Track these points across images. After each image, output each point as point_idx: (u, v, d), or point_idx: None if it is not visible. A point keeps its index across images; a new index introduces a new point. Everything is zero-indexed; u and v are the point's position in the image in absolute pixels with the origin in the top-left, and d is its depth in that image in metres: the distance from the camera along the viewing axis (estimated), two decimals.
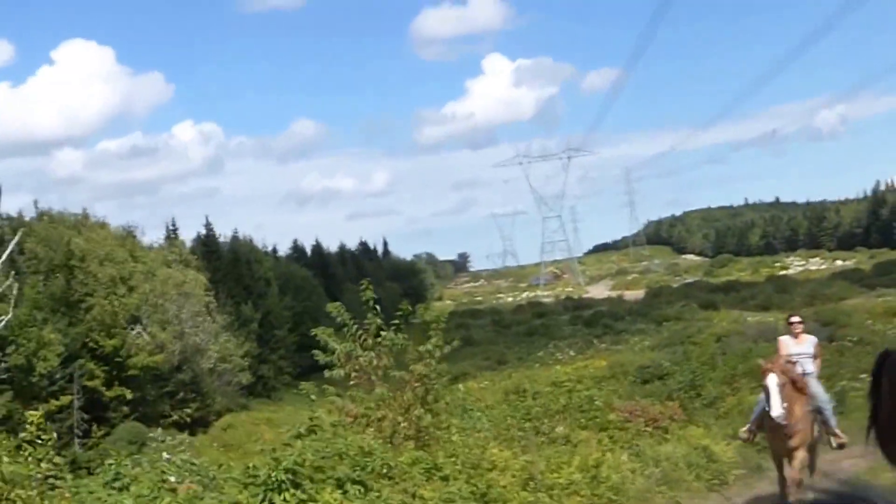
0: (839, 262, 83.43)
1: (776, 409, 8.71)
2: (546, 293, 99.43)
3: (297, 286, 53.05)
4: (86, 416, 27.79)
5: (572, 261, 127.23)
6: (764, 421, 9.31)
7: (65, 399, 24.88)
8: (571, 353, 36.65)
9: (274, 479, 6.10)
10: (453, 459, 7.88)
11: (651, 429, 10.81)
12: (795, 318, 10.35)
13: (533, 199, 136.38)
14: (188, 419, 32.61)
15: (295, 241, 65.85)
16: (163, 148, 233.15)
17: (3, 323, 22.22)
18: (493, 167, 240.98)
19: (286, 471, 6.20)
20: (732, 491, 9.73)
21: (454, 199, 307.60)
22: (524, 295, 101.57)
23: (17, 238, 23.96)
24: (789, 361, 9.48)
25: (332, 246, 73.33)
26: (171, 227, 48.21)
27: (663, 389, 15.95)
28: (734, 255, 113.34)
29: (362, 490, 6.27)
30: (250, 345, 41.90)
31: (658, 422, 11.01)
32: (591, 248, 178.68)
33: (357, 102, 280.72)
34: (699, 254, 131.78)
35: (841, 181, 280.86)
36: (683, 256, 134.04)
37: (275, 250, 61.97)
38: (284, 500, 6.01)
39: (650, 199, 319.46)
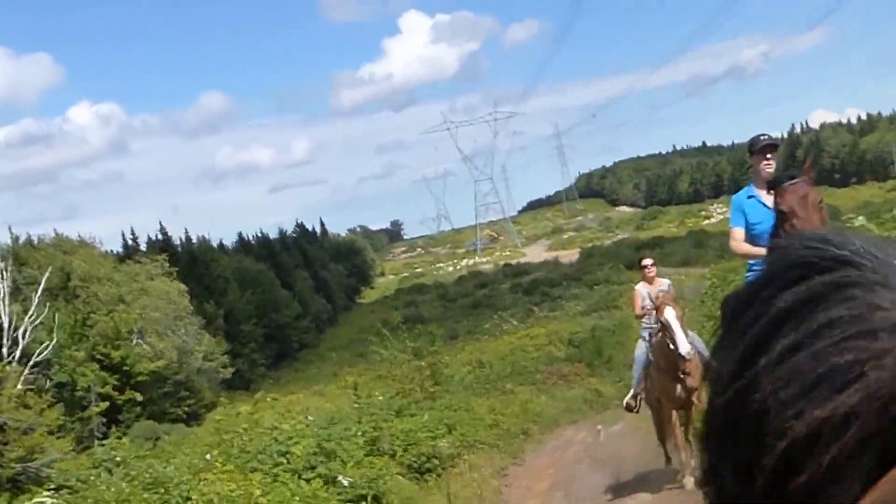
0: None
1: (684, 345, 8.64)
2: (484, 259, 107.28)
3: (253, 279, 59.66)
4: (104, 420, 34.60)
5: (507, 222, 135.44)
6: (650, 379, 9.57)
7: (103, 405, 31.74)
8: (514, 322, 43.92)
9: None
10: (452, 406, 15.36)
11: (562, 381, 18.40)
12: (647, 261, 10.35)
13: (462, 162, 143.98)
14: (185, 414, 39.45)
15: (240, 234, 72.44)
16: (58, 133, 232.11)
17: (50, 347, 28.95)
18: (419, 134, 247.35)
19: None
20: (608, 413, 17.03)
21: (380, 163, 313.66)
22: (463, 263, 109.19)
23: (48, 273, 30.58)
24: (639, 314, 9.84)
25: (263, 225, 79.87)
26: (130, 237, 54.88)
27: (583, 353, 23.63)
28: (664, 204, 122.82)
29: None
30: (219, 341, 48.61)
31: (567, 376, 18.60)
32: (525, 205, 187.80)
33: (268, 71, 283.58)
34: (632, 205, 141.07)
35: (765, 121, 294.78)
36: (616, 209, 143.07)
37: (221, 245, 68.41)
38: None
39: (581, 151, 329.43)
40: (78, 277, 36.77)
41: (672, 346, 8.59)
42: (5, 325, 28.29)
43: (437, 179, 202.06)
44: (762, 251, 6.08)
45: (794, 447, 0.70)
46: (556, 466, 11.85)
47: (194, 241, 59.43)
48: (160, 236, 54.35)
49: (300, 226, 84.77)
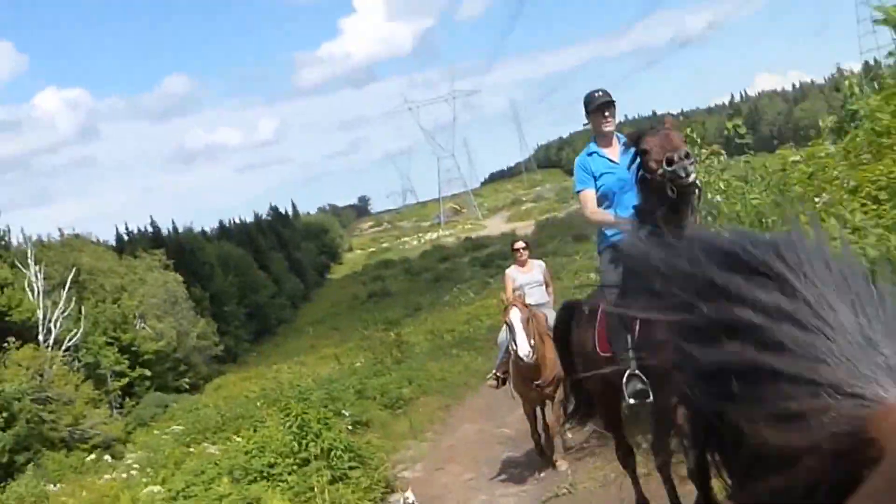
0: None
1: (523, 347, 8.43)
2: (447, 232, 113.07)
3: (234, 264, 65.24)
4: (119, 393, 40.23)
5: (469, 195, 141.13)
6: (511, 364, 9.15)
7: (123, 381, 37.43)
8: (472, 294, 49.57)
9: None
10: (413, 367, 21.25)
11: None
12: (519, 244, 10.19)
13: (424, 139, 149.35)
14: (187, 386, 45.14)
15: (221, 222, 77.90)
16: (26, 120, 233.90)
17: (79, 335, 34.58)
18: (381, 114, 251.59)
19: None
20: None
21: (344, 140, 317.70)
22: (428, 236, 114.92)
23: (73, 272, 36.08)
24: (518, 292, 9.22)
25: (233, 203, 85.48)
26: (123, 232, 60.26)
27: None
28: None
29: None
30: (208, 321, 54.26)
31: None
32: (487, 177, 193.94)
33: (230, 53, 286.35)
34: None
35: (712, 87, 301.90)
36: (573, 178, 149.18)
37: (204, 232, 73.82)
38: None
39: (538, 122, 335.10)
40: (86, 272, 42.11)
41: (514, 348, 8.53)
42: (40, 316, 33.84)
43: (401, 155, 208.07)
44: (613, 219, 5.89)
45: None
46: (489, 404, 17.46)
47: (181, 230, 64.90)
48: (150, 228, 59.73)
49: (274, 209, 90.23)
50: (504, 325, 9.33)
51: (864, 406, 0.76)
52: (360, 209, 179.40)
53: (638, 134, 5.35)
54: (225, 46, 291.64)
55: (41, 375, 30.02)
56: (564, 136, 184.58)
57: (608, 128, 6.40)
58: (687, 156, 4.84)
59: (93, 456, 25.75)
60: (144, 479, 12.57)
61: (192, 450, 13.86)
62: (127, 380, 37.91)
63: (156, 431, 28.02)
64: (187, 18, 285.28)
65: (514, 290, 9.38)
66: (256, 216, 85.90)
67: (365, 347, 29.24)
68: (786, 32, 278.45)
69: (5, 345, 30.96)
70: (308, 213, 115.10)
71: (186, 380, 45.09)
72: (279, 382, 25.27)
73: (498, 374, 9.77)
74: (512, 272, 9.76)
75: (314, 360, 41.60)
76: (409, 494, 8.65)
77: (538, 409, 9.57)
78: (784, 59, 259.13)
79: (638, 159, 5.28)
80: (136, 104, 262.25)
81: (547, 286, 9.75)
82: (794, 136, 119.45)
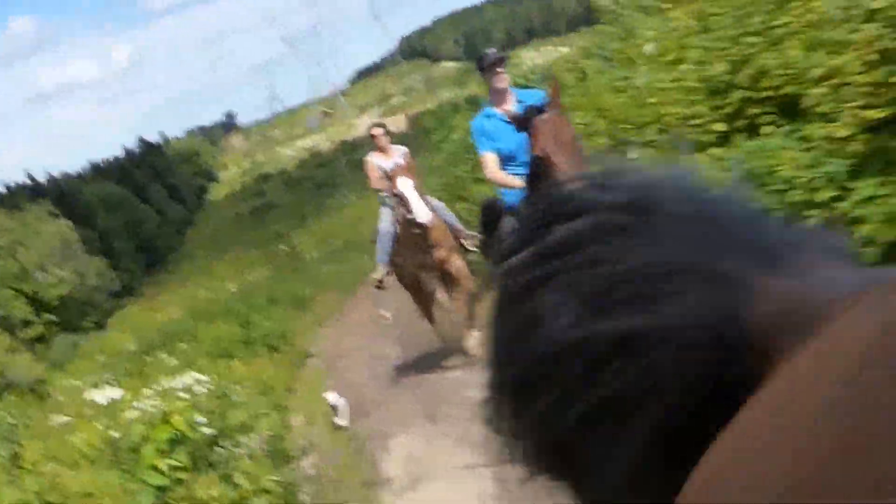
0: (563, 49, 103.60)
1: (422, 212, 8.42)
2: (321, 137, 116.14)
3: (115, 202, 67.77)
4: (30, 341, 43.50)
5: (338, 96, 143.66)
6: (398, 252, 9.18)
7: (38, 329, 40.90)
8: (354, 197, 53.25)
9: None
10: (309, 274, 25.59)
11: None
12: (376, 131, 9.98)
13: (287, 46, 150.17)
14: (93, 325, 48.54)
15: (93, 163, 79.80)
16: None
17: None
18: (239, 29, 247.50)
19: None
20: None
21: (205, 58, 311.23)
22: (300, 143, 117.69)
23: None
24: (380, 186, 9.21)
25: (101, 138, 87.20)
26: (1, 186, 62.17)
27: None
28: None
29: None
30: (101, 260, 57.23)
31: None
32: (354, 75, 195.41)
33: None
34: (455, 59, 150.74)
35: None
36: (440, 65, 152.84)
37: (79, 175, 75.69)
38: None
39: (399, 12, 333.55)
40: None
41: (410, 216, 8.45)
42: None
43: (264, 66, 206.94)
44: (518, 182, 5.89)
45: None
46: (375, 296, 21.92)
47: (57, 175, 67.05)
48: (28, 181, 61.88)
49: (142, 140, 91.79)
50: (383, 210, 9.39)
51: (730, 290, 0.70)
52: (228, 125, 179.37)
53: (530, 129, 5.54)
54: None
55: None
56: (427, 24, 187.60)
57: (501, 84, 6.80)
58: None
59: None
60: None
61: (149, 358, 17.95)
62: (40, 328, 41.26)
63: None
64: None
65: (379, 178, 9.30)
66: (127, 151, 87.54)
67: (263, 261, 33.51)
68: None
69: None
70: (176, 137, 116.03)
71: (91, 319, 48.46)
72: (196, 300, 29.12)
73: (387, 269, 9.51)
74: (373, 159, 9.66)
75: (212, 280, 45.27)
76: (332, 395, 9.29)
77: (437, 295, 9.61)
78: None
79: (533, 161, 5.52)
80: None
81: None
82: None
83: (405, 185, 8.62)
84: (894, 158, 5.13)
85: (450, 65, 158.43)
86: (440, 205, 9.62)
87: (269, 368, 13.22)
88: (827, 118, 5.80)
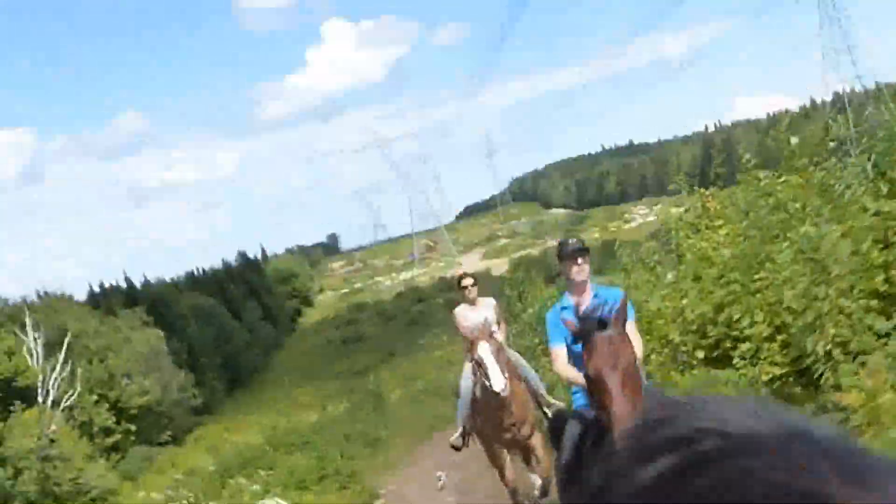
0: (674, 210, 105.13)
1: (498, 381, 8.31)
2: (421, 271, 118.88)
3: (207, 314, 70.42)
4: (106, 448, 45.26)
5: (442, 230, 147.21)
6: (476, 413, 9.24)
7: (115, 437, 42.62)
8: (444, 338, 54.55)
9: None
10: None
11: None
12: (467, 281, 10.11)
13: (395, 174, 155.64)
14: (169, 438, 50.21)
15: (189, 273, 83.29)
16: None
17: (74, 395, 39.83)
18: (351, 151, 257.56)
19: None
20: None
21: (310, 175, 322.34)
22: (401, 277, 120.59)
23: (67, 336, 41.27)
24: (470, 337, 9.04)
25: (197, 241, 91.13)
26: (96, 288, 65.52)
27: None
28: (594, 205, 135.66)
29: None
30: (186, 374, 59.33)
31: None
32: (462, 209, 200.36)
33: (187, 86, 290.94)
34: (564, 206, 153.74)
35: (689, 113, 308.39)
36: (549, 211, 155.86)
37: (174, 282, 79.07)
38: None
39: (512, 153, 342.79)
40: (73, 333, 47.29)
41: (488, 384, 8.44)
42: (40, 380, 39.05)
43: (371, 191, 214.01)
44: (580, 379, 5.79)
45: None
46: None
47: (152, 281, 70.33)
48: (124, 284, 65.10)
49: (242, 254, 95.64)
50: (467, 366, 9.34)
51: None
52: (330, 248, 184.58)
53: (588, 343, 5.38)
54: (183, 81, 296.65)
55: (49, 438, 35.17)
56: (540, 167, 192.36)
57: (581, 277, 6.60)
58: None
59: None
60: None
61: (230, 482, 19.16)
62: (118, 436, 43.01)
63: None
64: (142, 50, 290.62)
65: (469, 328, 9.24)
66: (225, 263, 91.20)
67: (345, 395, 34.73)
68: (764, 56, 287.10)
69: (12, 408, 36.12)
70: (276, 254, 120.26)
71: (168, 432, 50.11)
72: (274, 429, 30.39)
73: (464, 426, 9.65)
74: (462, 311, 9.83)
75: (292, 407, 46.59)
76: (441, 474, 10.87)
77: (508, 460, 9.62)
78: (763, 83, 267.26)
79: (587, 380, 5.40)
80: (85, 143, 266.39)
81: (499, 325, 9.61)
82: (767, 164, 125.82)
83: (485, 351, 8.56)
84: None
85: (559, 211, 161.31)
86: (522, 362, 9.73)
87: (338, 502, 14.25)
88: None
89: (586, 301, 6.42)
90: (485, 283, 11.60)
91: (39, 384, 38.98)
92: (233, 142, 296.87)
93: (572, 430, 6.17)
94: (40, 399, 38.77)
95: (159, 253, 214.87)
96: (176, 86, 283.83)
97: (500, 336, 9.45)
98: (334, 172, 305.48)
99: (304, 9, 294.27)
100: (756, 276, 9.35)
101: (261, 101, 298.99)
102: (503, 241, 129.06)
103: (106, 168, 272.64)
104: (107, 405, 44.66)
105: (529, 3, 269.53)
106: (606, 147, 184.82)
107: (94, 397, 42.60)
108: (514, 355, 9.73)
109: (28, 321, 41.25)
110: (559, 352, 6.45)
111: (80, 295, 62.92)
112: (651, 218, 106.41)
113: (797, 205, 10.45)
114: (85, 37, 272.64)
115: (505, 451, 9.44)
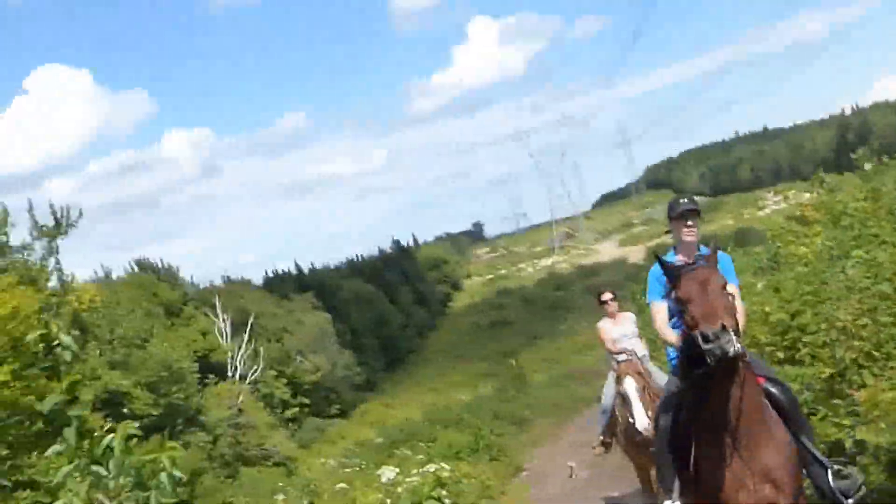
0: (806, 196, 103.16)
1: (642, 420, 8.39)
2: (561, 258, 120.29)
3: (367, 299, 73.98)
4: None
5: (580, 218, 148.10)
6: (619, 432, 9.40)
7: (294, 409, 46.32)
8: (584, 323, 56.18)
9: None
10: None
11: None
12: (607, 296, 10.28)
13: (534, 164, 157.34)
14: (337, 412, 53.68)
15: (350, 259, 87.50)
16: (153, 161, 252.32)
17: (258, 371, 43.55)
18: (491, 143, 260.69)
19: None
20: None
21: (455, 166, 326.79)
22: (542, 262, 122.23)
23: (251, 318, 45.16)
24: (614, 350, 9.61)
25: (350, 230, 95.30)
26: (270, 274, 69.85)
27: None
28: (728, 192, 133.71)
29: None
30: (349, 353, 62.75)
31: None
32: (598, 197, 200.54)
33: (345, 86, 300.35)
34: (699, 194, 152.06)
35: (824, 98, 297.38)
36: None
37: (336, 268, 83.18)
38: None
39: (647, 141, 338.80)
40: (254, 316, 51.22)
41: (631, 420, 8.42)
42: (229, 356, 42.88)
43: (511, 181, 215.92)
44: (676, 341, 5.63)
45: None
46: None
47: (318, 267, 74.86)
48: (295, 271, 69.58)
49: (396, 242, 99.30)
50: (610, 390, 9.55)
51: None
52: (475, 235, 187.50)
53: (674, 274, 5.30)
54: (341, 81, 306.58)
55: (238, 409, 38.81)
56: (674, 155, 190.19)
57: (690, 238, 6.25)
58: (724, 329, 4.77)
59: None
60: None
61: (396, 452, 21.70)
62: (297, 409, 46.59)
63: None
64: (302, 55, 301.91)
65: (612, 341, 9.79)
66: (381, 251, 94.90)
67: (493, 376, 37.07)
68: None
69: (206, 380, 39.90)
70: (426, 241, 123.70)
71: (336, 407, 53.59)
72: (432, 406, 32.89)
73: (605, 439, 9.84)
74: (604, 325, 10.03)
75: (445, 385, 49.07)
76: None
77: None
78: None
79: (675, 303, 5.33)
80: (255, 141, 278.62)
81: (640, 337, 9.88)
82: None
83: (631, 388, 8.67)
84: None
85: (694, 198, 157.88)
86: (663, 380, 8.85)
87: (489, 473, 16.54)
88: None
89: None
90: (620, 269, 13.08)
91: (229, 360, 42.76)
92: (384, 137, 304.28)
93: (669, 386, 6.11)
94: (230, 374, 42.56)
95: (321, 241, 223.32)
96: (334, 86, 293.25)
97: (640, 348, 9.76)
98: (478, 163, 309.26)
99: (451, 6, 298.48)
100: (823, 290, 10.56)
101: (410, 97, 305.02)
102: (639, 228, 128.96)
103: (273, 164, 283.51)
104: (284, 381, 48.31)
105: None
106: (741, 133, 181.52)
107: (274, 373, 46.19)
108: (657, 373, 9.50)
109: (218, 304, 45.10)
110: (660, 308, 6.18)
111: (256, 280, 67.53)
112: (783, 205, 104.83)
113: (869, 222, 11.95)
114: (252, 42, 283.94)
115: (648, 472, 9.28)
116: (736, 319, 5.05)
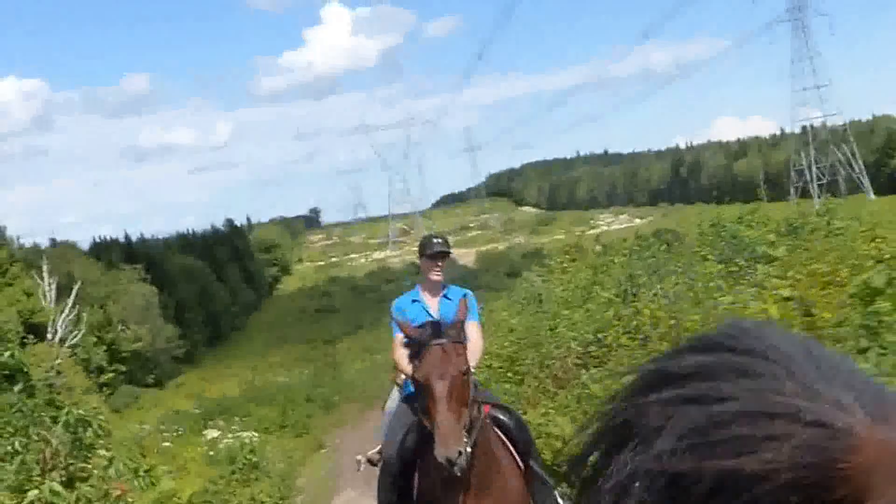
0: (637, 221, 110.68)
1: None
2: (395, 254, 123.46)
3: (194, 274, 74.86)
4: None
5: (418, 216, 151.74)
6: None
7: (109, 375, 47.22)
8: None
9: None
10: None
11: None
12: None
13: (378, 159, 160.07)
14: (152, 381, 54.78)
15: (181, 234, 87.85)
16: None
17: (79, 336, 44.36)
18: (338, 135, 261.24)
19: None
20: None
21: (299, 149, 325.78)
22: (376, 255, 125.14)
23: (77, 284, 45.74)
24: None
25: (184, 203, 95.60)
26: (98, 240, 69.91)
27: None
28: (564, 208, 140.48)
29: None
30: (172, 326, 63.70)
31: None
32: (438, 198, 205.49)
33: (191, 55, 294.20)
34: (535, 206, 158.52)
35: (667, 128, 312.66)
36: (520, 209, 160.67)
37: (166, 241, 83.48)
38: None
39: (492, 149, 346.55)
40: (80, 282, 51.72)
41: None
42: (51, 320, 43.53)
43: (353, 171, 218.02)
44: (411, 372, 5.29)
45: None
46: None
47: (147, 237, 75.17)
48: (123, 239, 69.97)
49: (229, 221, 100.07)
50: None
51: (832, 437, 0.74)
52: (311, 220, 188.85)
53: (416, 347, 5.16)
54: (187, 49, 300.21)
55: (56, 370, 39.69)
56: (516, 166, 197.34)
57: (436, 277, 6.54)
58: (459, 454, 4.70)
59: None
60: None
61: (211, 423, 23.84)
62: (112, 375, 47.61)
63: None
64: (151, 18, 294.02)
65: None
66: (213, 228, 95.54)
67: (311, 360, 39.38)
68: (748, 78, 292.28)
69: (25, 340, 40.57)
70: (260, 222, 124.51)
71: (152, 376, 54.70)
72: (250, 383, 34.89)
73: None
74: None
75: (265, 365, 50.87)
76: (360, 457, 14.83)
77: None
78: (747, 104, 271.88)
79: (414, 383, 5.24)
80: (93, 98, 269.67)
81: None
82: (733, 190, 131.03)
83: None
84: None
85: (530, 210, 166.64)
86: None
87: (293, 445, 19.10)
88: None
89: (437, 299, 6.56)
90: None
91: (50, 323, 43.45)
92: (228, 111, 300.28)
93: (403, 417, 6.08)
94: (48, 336, 43.26)
95: (152, 210, 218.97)
96: (180, 52, 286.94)
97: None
98: (323, 149, 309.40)
99: None
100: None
101: (257, 74, 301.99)
102: (474, 232, 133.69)
103: (110, 124, 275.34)
104: (104, 347, 49.15)
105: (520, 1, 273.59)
106: (582, 153, 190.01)
107: (94, 339, 47.06)
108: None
109: (45, 267, 45.61)
110: (400, 339, 5.91)
111: (82, 244, 67.50)
112: (615, 226, 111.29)
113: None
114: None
115: None
116: (467, 409, 5.05)
